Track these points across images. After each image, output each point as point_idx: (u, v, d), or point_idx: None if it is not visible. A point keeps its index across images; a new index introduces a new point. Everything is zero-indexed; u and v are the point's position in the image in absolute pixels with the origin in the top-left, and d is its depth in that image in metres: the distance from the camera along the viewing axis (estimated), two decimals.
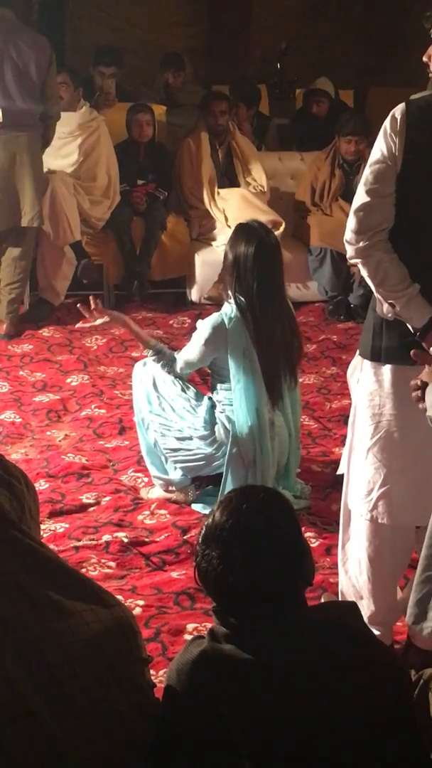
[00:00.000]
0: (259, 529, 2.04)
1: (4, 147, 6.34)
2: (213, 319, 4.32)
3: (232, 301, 4.30)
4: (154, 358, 4.48)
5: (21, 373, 6.15)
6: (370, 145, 3.13)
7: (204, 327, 4.33)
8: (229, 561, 2.02)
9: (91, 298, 4.60)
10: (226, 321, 4.27)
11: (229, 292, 4.33)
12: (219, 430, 4.38)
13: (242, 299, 4.27)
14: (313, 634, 2.01)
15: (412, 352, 2.72)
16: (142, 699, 2.04)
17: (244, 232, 4.35)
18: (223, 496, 2.15)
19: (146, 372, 4.53)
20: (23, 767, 1.82)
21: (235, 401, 4.32)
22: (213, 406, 4.43)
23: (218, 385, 4.44)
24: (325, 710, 1.93)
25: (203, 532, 2.08)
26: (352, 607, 2.12)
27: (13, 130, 6.33)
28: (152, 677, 2.21)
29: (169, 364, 4.45)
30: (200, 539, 2.08)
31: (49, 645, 1.90)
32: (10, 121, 6.20)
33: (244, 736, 1.92)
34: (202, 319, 4.43)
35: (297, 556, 2.07)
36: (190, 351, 4.40)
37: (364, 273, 3.13)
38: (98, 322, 4.68)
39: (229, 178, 7.68)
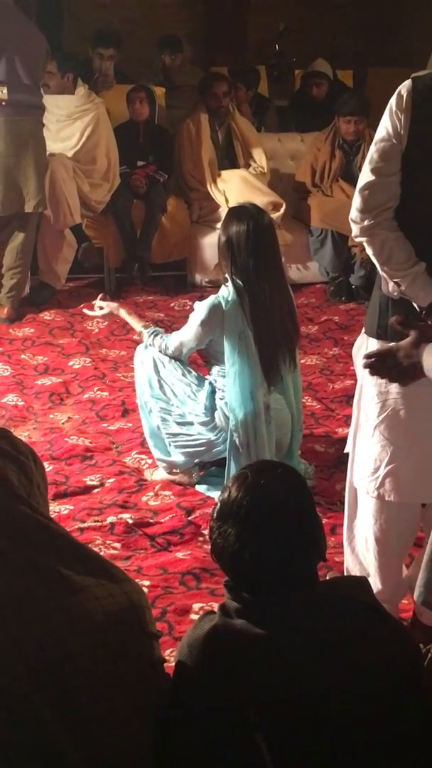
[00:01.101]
0: (278, 505, 2.04)
1: (7, 131, 6.32)
2: (210, 300, 4.30)
3: (229, 283, 4.29)
4: (151, 337, 4.49)
5: (23, 356, 6.15)
6: (370, 125, 3.12)
7: (200, 308, 4.32)
8: (247, 537, 2.01)
9: (100, 296, 4.72)
10: (222, 303, 4.25)
11: (226, 275, 4.32)
12: (219, 416, 4.38)
13: (239, 281, 4.25)
14: (325, 609, 2.01)
15: (394, 318, 2.63)
16: (153, 673, 2.04)
17: (237, 213, 4.35)
18: (238, 471, 2.14)
19: (147, 355, 4.52)
20: (33, 739, 1.83)
21: (228, 384, 4.30)
22: (213, 392, 4.42)
23: (214, 369, 4.43)
24: (337, 684, 1.93)
25: (218, 508, 2.08)
26: (363, 582, 2.13)
27: (16, 113, 6.31)
28: None
29: (164, 343, 4.45)
30: (215, 515, 2.08)
31: (59, 619, 1.90)
32: (14, 101, 6.17)
33: (256, 710, 1.92)
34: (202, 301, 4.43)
35: (313, 531, 2.08)
36: (186, 332, 4.38)
37: (369, 251, 3.13)
38: (99, 313, 4.76)
39: (229, 159, 7.67)
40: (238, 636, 1.99)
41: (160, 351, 4.45)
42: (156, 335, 4.49)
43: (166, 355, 4.45)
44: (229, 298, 4.25)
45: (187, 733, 2.01)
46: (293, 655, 1.96)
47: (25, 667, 1.84)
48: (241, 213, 4.31)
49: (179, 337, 4.41)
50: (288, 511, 2.05)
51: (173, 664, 2.09)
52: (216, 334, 4.30)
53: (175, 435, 4.47)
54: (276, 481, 2.08)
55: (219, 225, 7.37)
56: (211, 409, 4.40)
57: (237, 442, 4.30)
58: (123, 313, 4.70)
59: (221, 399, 4.37)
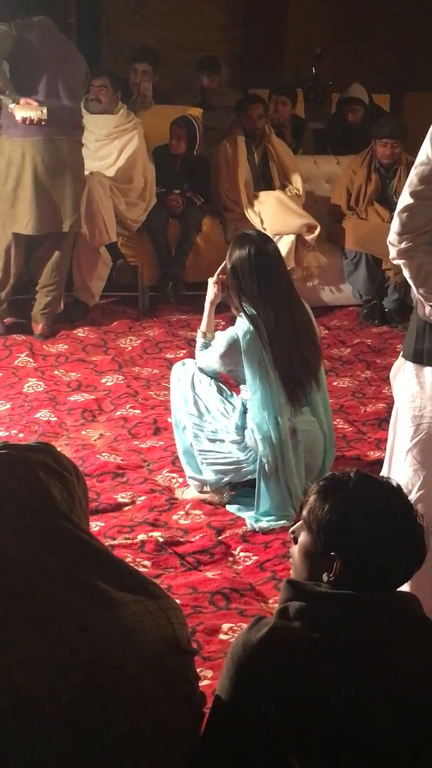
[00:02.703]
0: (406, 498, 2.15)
1: (47, 151, 6.37)
2: (228, 335, 4.36)
3: (242, 315, 4.33)
4: (199, 346, 4.60)
5: (56, 372, 6.19)
6: (407, 150, 3.13)
7: (220, 341, 4.40)
8: (384, 518, 2.07)
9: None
10: (240, 337, 4.30)
11: (238, 306, 4.37)
12: (249, 436, 4.39)
13: (251, 309, 4.29)
14: (385, 618, 2.02)
15: None
16: (189, 690, 2.04)
17: (239, 240, 4.43)
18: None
19: (185, 372, 4.55)
20: (69, 752, 1.84)
21: (252, 411, 4.34)
22: (245, 411, 4.43)
23: (243, 388, 4.49)
24: (390, 693, 1.94)
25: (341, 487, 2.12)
26: (415, 598, 2.13)
27: (56, 133, 6.35)
28: None
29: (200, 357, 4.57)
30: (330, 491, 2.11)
31: (98, 634, 1.91)
32: (54, 121, 6.23)
33: (305, 714, 1.92)
34: (235, 322, 4.44)
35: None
36: (211, 357, 4.48)
37: (406, 274, 3.14)
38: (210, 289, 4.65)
39: (265, 181, 7.68)
40: (295, 638, 1.99)
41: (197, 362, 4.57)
42: (204, 347, 4.57)
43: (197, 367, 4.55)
44: (246, 330, 4.29)
45: (235, 734, 2.00)
46: (347, 663, 1.96)
47: (63, 680, 1.86)
48: (243, 240, 4.40)
49: (205, 360, 4.51)
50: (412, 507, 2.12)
51: (205, 682, 2.08)
52: (236, 364, 4.37)
53: (206, 452, 4.48)
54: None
55: None
56: (242, 428, 4.41)
57: (266, 468, 4.31)
58: (209, 304, 4.64)
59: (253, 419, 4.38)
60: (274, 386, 4.29)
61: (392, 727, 1.93)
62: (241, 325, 4.32)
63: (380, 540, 2.05)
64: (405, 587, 3.25)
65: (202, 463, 4.51)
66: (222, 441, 4.45)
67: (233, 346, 4.32)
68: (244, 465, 4.45)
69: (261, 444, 4.29)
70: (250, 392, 4.33)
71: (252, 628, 2.05)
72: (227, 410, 4.45)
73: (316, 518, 2.10)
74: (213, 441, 4.46)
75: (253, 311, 4.29)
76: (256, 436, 4.31)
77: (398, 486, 2.15)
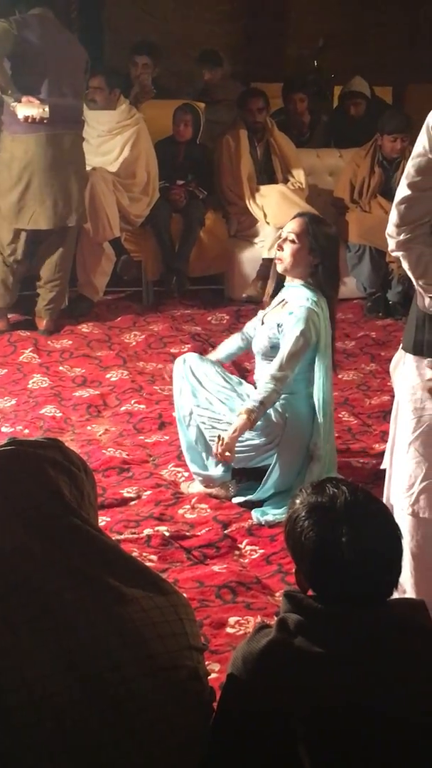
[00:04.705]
0: (383, 508, 2.14)
1: (49, 146, 6.38)
2: (303, 314, 4.31)
3: (310, 289, 4.40)
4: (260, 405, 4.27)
5: (61, 368, 6.20)
6: (413, 143, 3.12)
7: (299, 328, 4.29)
8: (353, 535, 2.02)
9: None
10: (315, 309, 4.34)
11: (309, 279, 4.43)
12: (270, 420, 4.36)
13: (323, 288, 4.42)
14: (384, 631, 2.00)
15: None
16: (199, 686, 2.05)
17: (321, 221, 4.61)
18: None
19: (187, 368, 4.53)
20: (80, 747, 1.85)
21: (317, 398, 4.36)
22: None
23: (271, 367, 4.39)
24: (390, 709, 1.93)
25: (311, 504, 2.08)
26: (421, 604, 2.11)
27: (58, 128, 6.36)
28: None
29: (275, 388, 4.28)
30: (305, 513, 2.07)
31: (108, 630, 1.92)
32: (56, 116, 6.24)
33: (307, 728, 1.91)
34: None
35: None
36: (290, 364, 4.29)
37: (405, 266, 3.14)
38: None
39: (267, 174, 7.69)
40: (296, 654, 1.97)
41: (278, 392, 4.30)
42: (262, 404, 4.25)
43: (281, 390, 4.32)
44: (317, 300, 4.38)
45: (236, 747, 2.00)
46: (348, 676, 1.95)
47: (73, 676, 1.87)
48: (324, 221, 4.63)
49: (282, 376, 4.27)
50: (391, 518, 2.10)
51: (213, 676, 2.09)
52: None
53: None
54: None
55: (257, 239, 7.47)
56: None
57: (317, 451, 4.35)
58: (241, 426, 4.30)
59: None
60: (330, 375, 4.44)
61: (395, 741, 1.92)
62: (309, 296, 4.39)
63: (350, 578, 2.02)
64: (409, 588, 3.29)
65: (209, 457, 4.49)
66: None
67: (312, 320, 4.32)
68: (263, 450, 4.41)
69: (318, 430, 4.35)
70: (317, 377, 4.36)
71: (252, 639, 2.05)
72: (241, 398, 4.42)
73: (292, 533, 2.10)
74: None
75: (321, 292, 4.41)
76: (321, 412, 4.34)
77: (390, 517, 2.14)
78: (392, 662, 1.97)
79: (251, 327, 4.68)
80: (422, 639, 2.02)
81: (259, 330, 4.53)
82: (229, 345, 4.82)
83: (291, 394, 4.38)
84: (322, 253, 4.38)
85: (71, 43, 6.61)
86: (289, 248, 4.41)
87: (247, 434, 4.34)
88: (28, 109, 6.17)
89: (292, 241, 4.41)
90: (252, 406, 4.21)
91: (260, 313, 4.65)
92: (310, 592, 2.09)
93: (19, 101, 6.19)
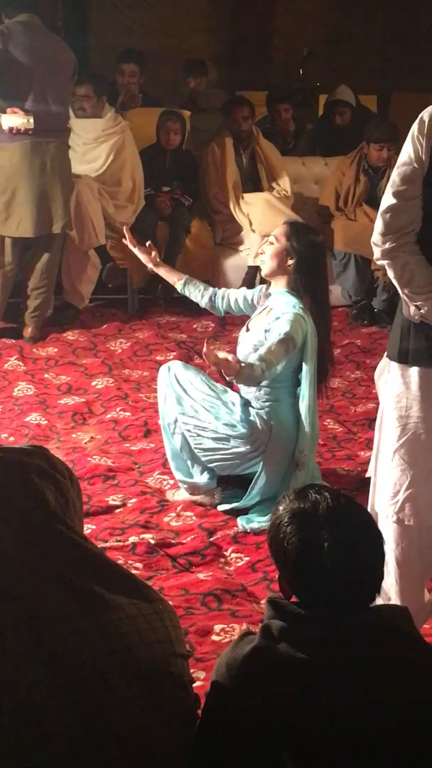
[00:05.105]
0: (366, 515, 2.15)
1: (34, 154, 6.38)
2: (290, 317, 4.30)
3: (295, 296, 4.38)
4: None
5: (46, 375, 6.19)
6: (398, 152, 3.13)
7: (287, 327, 4.28)
8: (334, 542, 2.03)
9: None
10: (302, 314, 4.33)
11: (290, 288, 4.42)
12: (256, 428, 4.37)
13: (305, 296, 4.39)
14: (367, 637, 2.00)
15: None
16: (184, 694, 2.05)
17: (307, 228, 4.61)
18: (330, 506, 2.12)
19: (172, 376, 4.53)
20: (64, 755, 1.85)
21: (303, 407, 4.35)
22: (245, 404, 4.42)
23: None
24: (373, 714, 1.93)
25: (294, 511, 2.09)
26: (404, 611, 2.11)
27: (42, 136, 6.35)
28: None
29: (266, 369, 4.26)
30: (287, 519, 2.09)
31: (92, 637, 1.92)
32: (41, 125, 6.24)
33: (291, 735, 1.92)
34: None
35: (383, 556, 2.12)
36: (279, 350, 4.24)
37: (390, 274, 3.15)
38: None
39: (253, 182, 7.71)
40: (280, 660, 1.98)
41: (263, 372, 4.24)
42: (250, 366, 4.17)
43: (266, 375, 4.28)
44: (302, 308, 4.36)
45: (219, 754, 2.00)
46: (332, 682, 1.95)
47: (57, 684, 1.87)
48: (311, 230, 4.61)
49: (269, 365, 4.22)
50: (374, 524, 2.10)
51: (198, 683, 2.09)
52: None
53: (210, 450, 4.42)
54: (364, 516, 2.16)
55: (242, 247, 7.49)
56: (247, 420, 4.37)
57: (302, 458, 4.36)
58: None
59: (260, 409, 4.38)
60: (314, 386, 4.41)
61: (379, 747, 1.92)
62: (294, 303, 4.36)
63: (332, 583, 2.03)
64: (394, 595, 3.29)
65: (194, 465, 4.50)
66: (227, 439, 4.39)
67: (301, 325, 4.32)
68: (248, 458, 4.41)
69: (303, 438, 4.35)
70: (304, 387, 4.35)
71: (236, 646, 2.05)
72: (226, 406, 4.42)
73: (275, 539, 2.11)
74: (217, 440, 4.40)
75: (305, 302, 4.40)
76: (307, 420, 4.34)
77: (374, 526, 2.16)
78: (376, 668, 1.97)
79: (233, 299, 4.73)
80: (405, 645, 2.02)
81: (243, 336, 4.53)
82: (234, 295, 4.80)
83: (276, 401, 4.39)
84: (298, 255, 4.38)
85: (58, 47, 6.58)
86: (268, 249, 4.45)
87: (233, 442, 4.36)
88: (12, 119, 6.17)
89: (271, 243, 4.46)
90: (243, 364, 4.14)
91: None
92: (294, 599, 2.10)
93: (4, 112, 6.19)
